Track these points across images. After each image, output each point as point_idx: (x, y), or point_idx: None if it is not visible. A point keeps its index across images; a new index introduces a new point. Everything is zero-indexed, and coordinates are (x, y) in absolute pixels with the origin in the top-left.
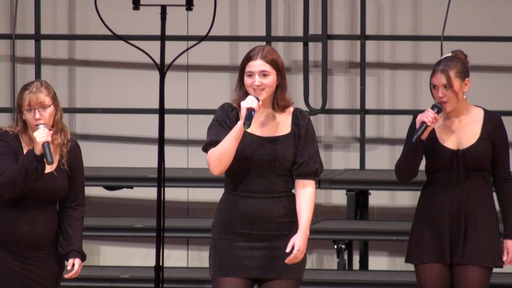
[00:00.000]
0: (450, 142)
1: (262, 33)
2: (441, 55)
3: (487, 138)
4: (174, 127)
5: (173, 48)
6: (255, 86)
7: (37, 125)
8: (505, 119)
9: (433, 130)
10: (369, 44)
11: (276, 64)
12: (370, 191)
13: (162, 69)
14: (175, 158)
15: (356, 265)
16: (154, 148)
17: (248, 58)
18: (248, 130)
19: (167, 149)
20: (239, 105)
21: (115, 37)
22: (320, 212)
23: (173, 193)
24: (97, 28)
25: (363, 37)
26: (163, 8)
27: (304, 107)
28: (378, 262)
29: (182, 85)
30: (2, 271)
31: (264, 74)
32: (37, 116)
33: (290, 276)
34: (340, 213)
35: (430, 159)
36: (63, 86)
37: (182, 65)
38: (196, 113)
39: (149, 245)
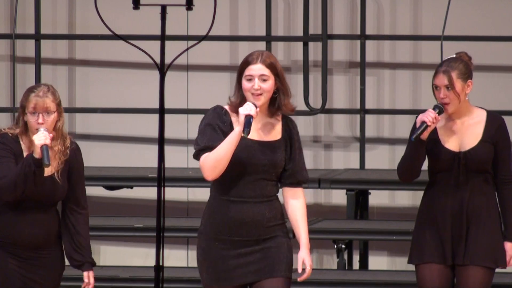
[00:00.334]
0: (451, 144)
1: (262, 33)
2: (441, 55)
3: (489, 140)
4: (174, 127)
5: (173, 48)
6: (253, 90)
7: (38, 128)
8: (505, 119)
9: (435, 131)
10: (369, 44)
11: (274, 69)
12: (370, 191)
13: (162, 69)
14: (175, 158)
15: (356, 265)
16: (154, 148)
17: (247, 63)
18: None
19: (167, 149)
20: (236, 110)
21: (115, 37)
22: (320, 212)
23: (173, 193)
24: (97, 28)
25: (363, 37)
26: (163, 8)
27: (304, 107)
28: (378, 262)
29: (182, 85)
30: (2, 271)
31: (263, 78)
32: (40, 120)
33: (283, 274)
34: (340, 213)
35: (432, 160)
36: (63, 86)
37: (182, 65)
38: (196, 113)
39: (149, 245)
